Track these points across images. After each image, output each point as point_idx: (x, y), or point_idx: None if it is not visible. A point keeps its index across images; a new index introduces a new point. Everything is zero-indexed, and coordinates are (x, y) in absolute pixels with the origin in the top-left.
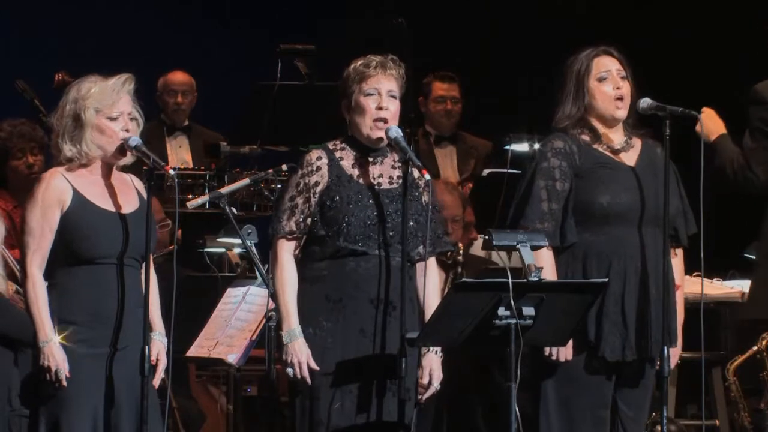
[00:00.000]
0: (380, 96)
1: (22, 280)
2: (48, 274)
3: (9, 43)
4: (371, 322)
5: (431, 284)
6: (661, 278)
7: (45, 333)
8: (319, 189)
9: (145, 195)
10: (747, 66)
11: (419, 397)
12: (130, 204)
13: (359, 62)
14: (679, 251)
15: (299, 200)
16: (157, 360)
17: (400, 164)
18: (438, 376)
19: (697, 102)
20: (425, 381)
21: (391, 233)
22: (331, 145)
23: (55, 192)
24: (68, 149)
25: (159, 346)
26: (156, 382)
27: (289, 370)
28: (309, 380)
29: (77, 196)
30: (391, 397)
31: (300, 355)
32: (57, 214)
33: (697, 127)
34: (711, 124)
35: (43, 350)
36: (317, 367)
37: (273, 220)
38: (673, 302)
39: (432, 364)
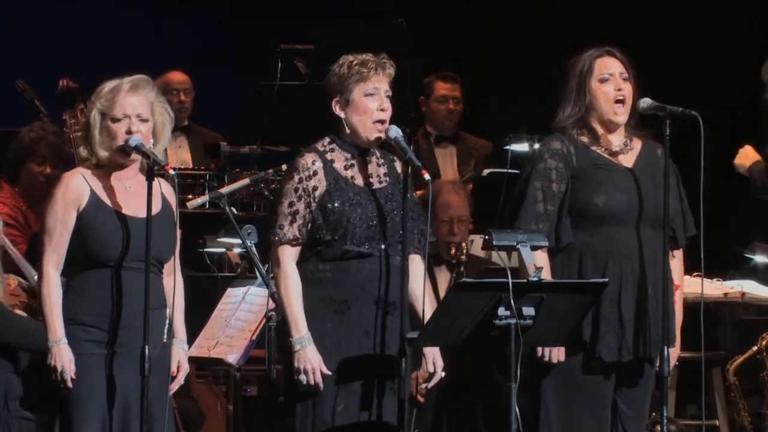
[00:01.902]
0: (380, 96)
1: (38, 279)
2: (67, 276)
3: (9, 43)
4: (375, 323)
5: (420, 279)
6: (659, 279)
7: (55, 333)
8: (318, 194)
9: (172, 200)
10: (747, 66)
11: (425, 385)
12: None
13: (354, 61)
14: (678, 253)
15: (300, 206)
16: (178, 367)
17: (384, 161)
18: (441, 364)
19: (697, 102)
20: (430, 369)
21: (390, 233)
22: (320, 147)
23: (74, 192)
24: (82, 150)
25: (180, 353)
26: (174, 388)
27: (302, 377)
28: (322, 386)
29: (93, 197)
30: (392, 397)
31: (313, 361)
32: (74, 214)
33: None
34: (744, 158)
35: (51, 350)
36: (329, 372)
37: (272, 227)
38: (671, 303)
39: (434, 352)
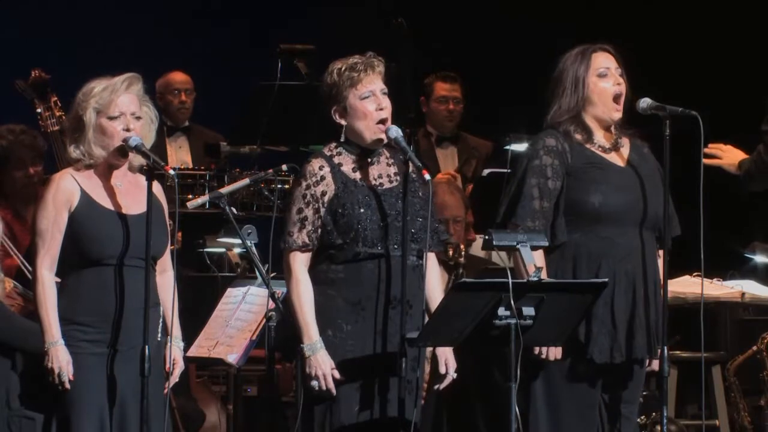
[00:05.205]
0: (376, 96)
1: (32, 282)
2: (61, 276)
3: (9, 43)
4: (390, 322)
5: (434, 277)
6: (651, 279)
7: (52, 334)
8: (326, 198)
9: (161, 197)
10: (747, 66)
11: (435, 386)
12: (140, 206)
13: (343, 66)
14: (661, 253)
15: (308, 212)
16: (173, 364)
17: (393, 161)
18: (453, 365)
19: (697, 102)
20: (442, 371)
21: (402, 232)
22: (327, 152)
23: (64, 194)
24: (73, 150)
25: (176, 351)
26: (171, 382)
27: (314, 383)
28: (334, 391)
29: (85, 197)
30: (410, 396)
31: (324, 366)
32: (65, 215)
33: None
34: (732, 158)
35: (48, 352)
36: (340, 377)
37: (283, 234)
38: (665, 304)
39: (446, 353)
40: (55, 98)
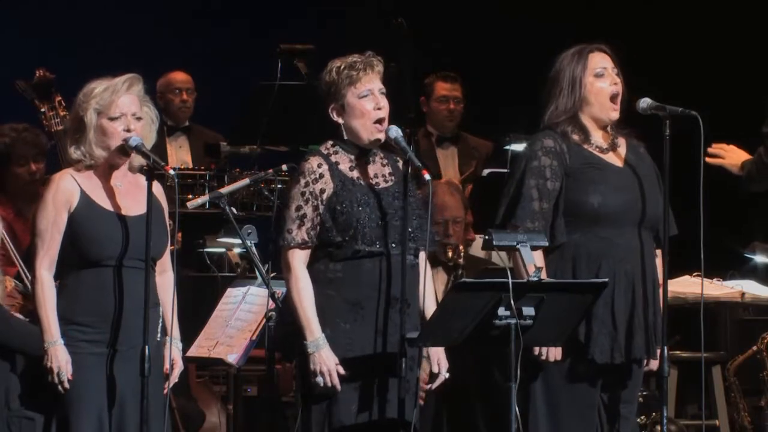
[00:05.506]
0: (375, 96)
1: (32, 282)
2: (58, 276)
3: (9, 43)
4: (389, 321)
5: (427, 277)
6: (650, 279)
7: (51, 334)
8: (325, 196)
9: (161, 198)
10: (747, 66)
11: (428, 386)
12: (140, 206)
13: (342, 65)
14: (659, 252)
15: (307, 209)
16: (172, 365)
17: (387, 161)
18: (445, 365)
19: (697, 102)
20: (435, 370)
21: (400, 231)
22: (324, 150)
23: (64, 194)
24: (73, 151)
25: (175, 351)
26: (171, 383)
27: (319, 379)
28: (339, 387)
29: (84, 197)
30: (409, 396)
31: (328, 362)
32: (65, 215)
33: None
34: (734, 158)
35: (47, 351)
36: (344, 373)
37: (282, 231)
38: (664, 304)
39: (438, 353)
40: (59, 98)
